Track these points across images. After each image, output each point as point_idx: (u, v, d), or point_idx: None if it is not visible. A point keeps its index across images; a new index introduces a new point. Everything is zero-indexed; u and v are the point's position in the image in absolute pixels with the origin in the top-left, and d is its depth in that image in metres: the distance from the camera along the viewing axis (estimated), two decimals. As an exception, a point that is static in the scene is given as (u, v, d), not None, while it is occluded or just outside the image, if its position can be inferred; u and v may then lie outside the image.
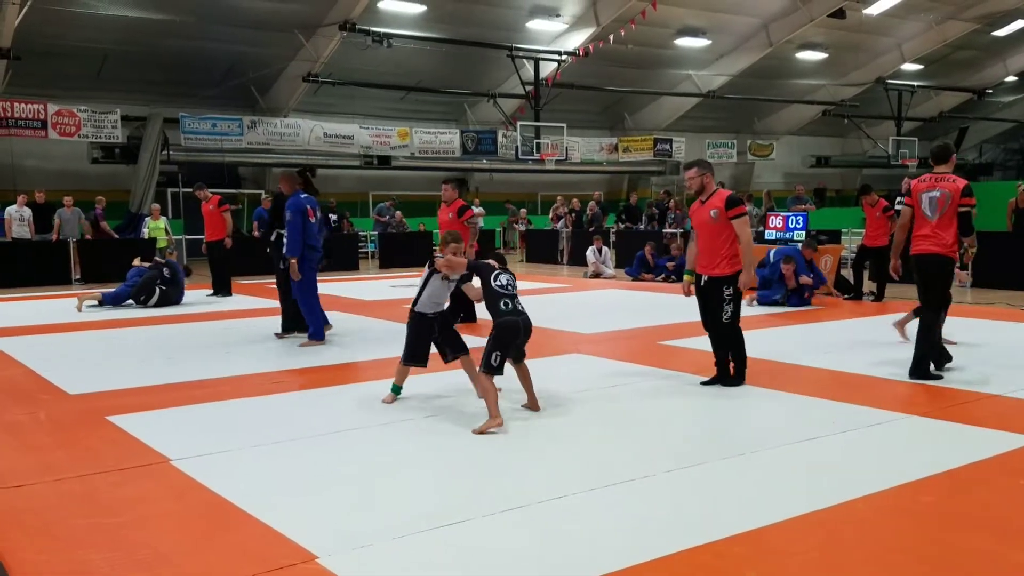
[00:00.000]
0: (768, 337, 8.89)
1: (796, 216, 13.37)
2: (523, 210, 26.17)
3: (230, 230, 13.36)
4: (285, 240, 8.27)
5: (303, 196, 8.32)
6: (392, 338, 9.06)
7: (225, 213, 13.33)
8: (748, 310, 10.84)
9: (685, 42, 27.32)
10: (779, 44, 27.38)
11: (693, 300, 6.64)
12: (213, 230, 13.36)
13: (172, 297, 12.17)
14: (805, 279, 11.11)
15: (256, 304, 12.44)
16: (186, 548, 3.55)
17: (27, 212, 17.01)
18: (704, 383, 6.50)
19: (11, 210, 16.96)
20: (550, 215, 24.24)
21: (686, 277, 6.68)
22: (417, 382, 6.76)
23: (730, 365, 6.46)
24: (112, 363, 7.73)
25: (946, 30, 28.82)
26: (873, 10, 26.31)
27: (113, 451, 4.92)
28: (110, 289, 12.27)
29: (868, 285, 12.44)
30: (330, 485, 4.31)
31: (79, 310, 11.40)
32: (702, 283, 6.43)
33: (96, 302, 11.84)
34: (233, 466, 4.63)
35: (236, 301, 12.84)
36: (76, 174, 22.30)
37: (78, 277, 16.62)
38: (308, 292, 8.48)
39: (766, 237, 13.61)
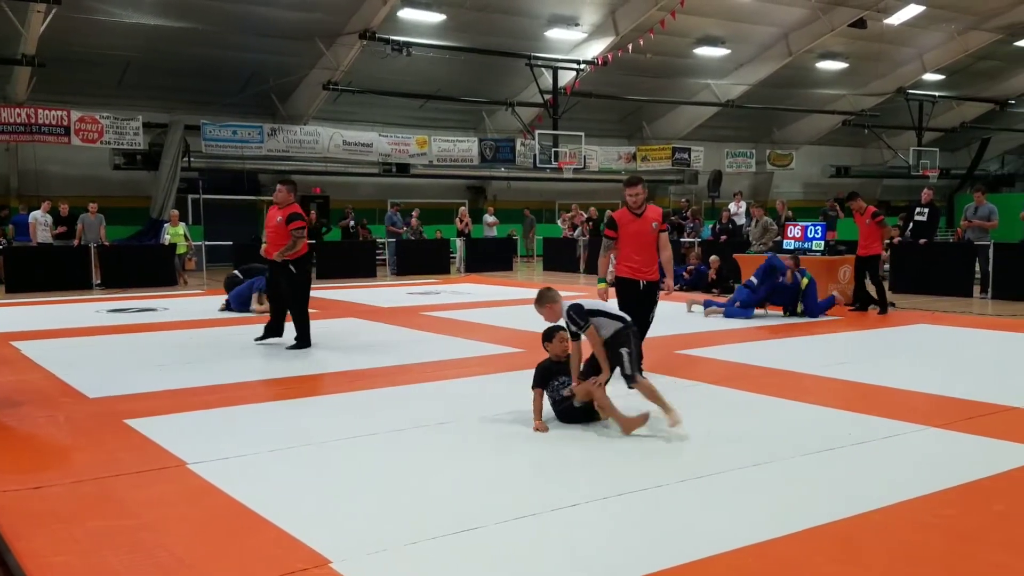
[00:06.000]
0: (784, 348, 8.85)
1: (815, 226, 13.30)
2: (591, 210, 24.04)
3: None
4: None
5: None
6: (408, 345, 9.11)
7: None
8: (762, 320, 10.80)
9: (704, 51, 27.29)
10: (799, 54, 27.30)
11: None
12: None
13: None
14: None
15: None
16: (202, 551, 3.58)
17: (50, 218, 17.20)
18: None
19: (36, 214, 17.16)
20: (563, 223, 24.11)
21: (601, 285, 7.06)
22: (431, 390, 6.79)
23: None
24: (131, 367, 7.80)
25: (968, 40, 28.63)
26: (894, 20, 26.18)
27: (131, 454, 4.95)
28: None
29: (888, 295, 12.31)
30: (345, 490, 4.32)
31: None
32: (642, 287, 6.97)
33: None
34: (249, 470, 4.66)
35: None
36: (98, 180, 22.56)
37: (98, 282, 16.78)
38: None
39: (784, 247, 13.54)
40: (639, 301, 6.99)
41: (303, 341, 8.85)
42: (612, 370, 5.44)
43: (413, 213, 22.56)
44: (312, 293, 14.00)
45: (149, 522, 3.88)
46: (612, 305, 5.71)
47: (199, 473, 4.57)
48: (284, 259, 8.69)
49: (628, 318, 5.58)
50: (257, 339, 8.97)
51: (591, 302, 5.64)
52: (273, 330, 9.01)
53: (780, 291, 11.09)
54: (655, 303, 7.04)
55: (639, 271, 6.95)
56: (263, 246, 9.15)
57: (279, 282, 8.95)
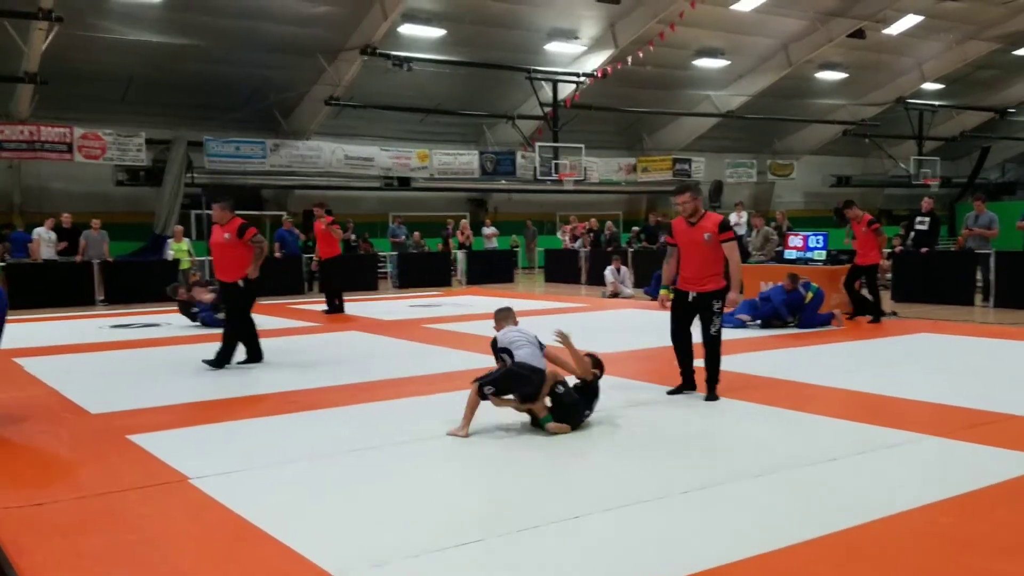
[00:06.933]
0: (785, 358, 8.85)
1: (817, 236, 13.32)
2: (592, 221, 23.66)
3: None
4: None
5: None
6: (410, 357, 9.12)
7: (335, 230, 13.70)
8: (762, 331, 10.80)
9: (703, 63, 27.40)
10: (798, 64, 27.40)
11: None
12: (326, 248, 13.70)
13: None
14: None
15: (276, 324, 12.53)
16: (205, 566, 3.59)
17: (53, 235, 17.24)
18: (670, 392, 6.86)
19: (40, 231, 17.19)
20: (562, 236, 24.14)
21: (663, 292, 7.10)
22: (433, 402, 6.79)
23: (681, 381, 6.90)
24: (133, 383, 7.82)
25: (967, 50, 28.72)
26: (893, 30, 26.29)
27: (133, 469, 4.97)
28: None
29: (889, 304, 12.30)
30: (347, 503, 4.33)
31: None
32: (690, 299, 6.73)
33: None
34: (251, 484, 4.67)
35: (256, 321, 12.87)
36: (101, 196, 22.63)
37: (102, 298, 16.81)
38: None
39: (785, 256, 13.55)
40: (693, 313, 6.75)
41: (220, 363, 8.40)
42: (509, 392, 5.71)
43: (461, 225, 23.00)
44: (312, 307, 14.10)
45: (152, 537, 3.89)
46: (527, 348, 5.73)
47: (201, 488, 4.57)
48: (239, 277, 8.41)
49: (523, 365, 5.62)
50: (240, 363, 8.65)
51: (509, 338, 5.85)
52: (254, 355, 8.76)
53: (786, 305, 11.09)
54: (711, 314, 6.61)
55: (688, 282, 6.70)
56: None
57: (226, 301, 8.63)
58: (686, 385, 6.88)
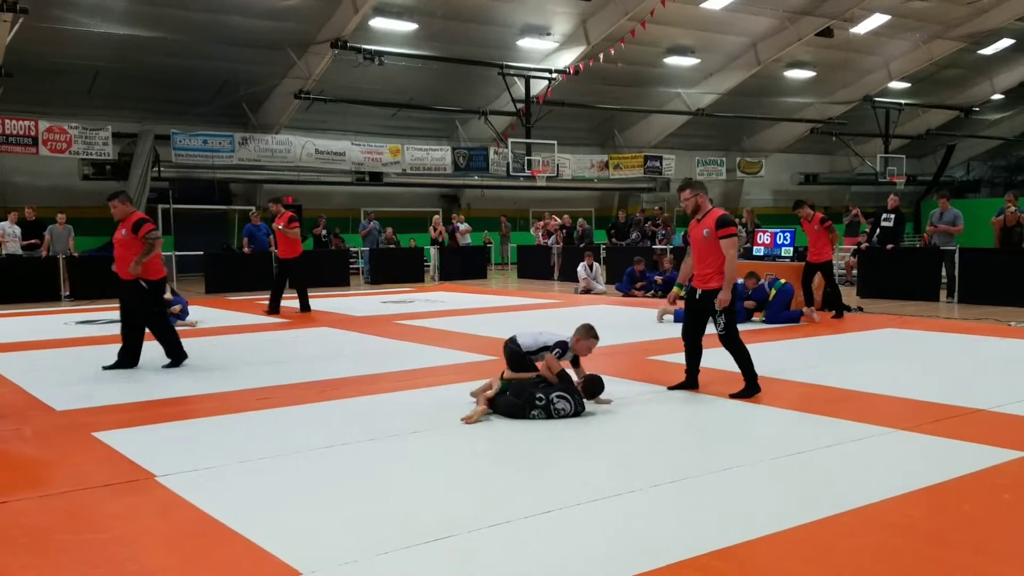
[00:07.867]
0: (753, 353, 8.90)
1: (784, 232, 13.45)
2: (565, 217, 23.45)
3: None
4: None
5: None
6: (381, 354, 9.09)
7: (290, 232, 13.03)
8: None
9: (674, 61, 27.52)
10: (767, 63, 27.61)
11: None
12: (285, 247, 13.20)
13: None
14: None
15: (245, 320, 12.43)
16: (172, 565, 3.55)
17: (18, 229, 16.94)
18: (671, 388, 6.90)
19: (4, 225, 16.88)
20: (535, 232, 24.12)
21: (675, 290, 7.20)
22: (404, 399, 6.78)
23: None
24: (98, 379, 7.72)
25: (933, 49, 29.11)
26: (860, 29, 26.58)
27: (99, 467, 4.91)
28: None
29: (855, 300, 12.45)
30: (316, 501, 4.31)
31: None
32: (696, 296, 6.74)
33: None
34: (218, 482, 4.63)
35: (224, 317, 12.81)
36: (67, 191, 22.29)
37: (67, 294, 16.57)
38: None
39: (754, 254, 13.68)
40: (701, 310, 6.77)
41: (177, 357, 8.33)
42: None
43: (434, 220, 22.63)
44: (282, 303, 13.94)
45: (119, 536, 3.84)
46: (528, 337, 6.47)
47: (168, 486, 4.53)
48: (137, 275, 8.09)
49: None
50: (106, 367, 8.26)
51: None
52: (127, 358, 8.31)
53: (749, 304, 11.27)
54: (708, 313, 6.65)
55: (696, 279, 6.77)
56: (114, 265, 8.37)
57: (130, 302, 8.30)
58: (688, 383, 6.87)
